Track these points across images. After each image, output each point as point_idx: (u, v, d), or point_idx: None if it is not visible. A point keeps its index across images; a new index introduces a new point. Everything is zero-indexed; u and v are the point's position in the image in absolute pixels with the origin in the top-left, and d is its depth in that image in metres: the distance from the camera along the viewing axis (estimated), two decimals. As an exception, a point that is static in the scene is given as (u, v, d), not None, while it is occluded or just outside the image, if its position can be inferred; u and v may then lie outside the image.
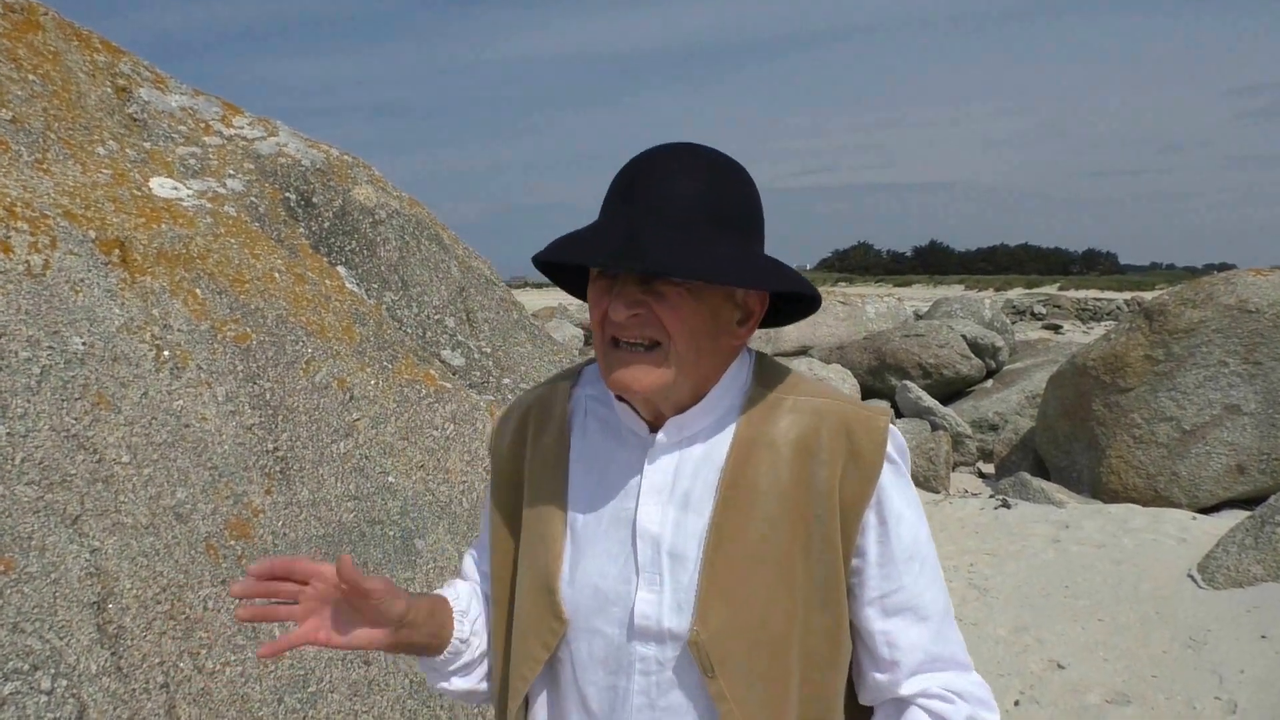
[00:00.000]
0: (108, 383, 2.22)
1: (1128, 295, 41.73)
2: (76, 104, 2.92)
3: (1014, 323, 23.92)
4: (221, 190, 3.04)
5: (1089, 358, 8.80)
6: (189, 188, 2.95)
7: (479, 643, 1.31)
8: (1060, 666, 4.48)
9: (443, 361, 3.24)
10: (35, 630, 1.86)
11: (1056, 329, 27.30)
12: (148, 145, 3.03)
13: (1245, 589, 4.97)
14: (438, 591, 1.33)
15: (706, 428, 1.20)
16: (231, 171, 3.14)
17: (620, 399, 1.22)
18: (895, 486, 1.19)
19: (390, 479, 2.65)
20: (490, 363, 3.37)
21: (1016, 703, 4.21)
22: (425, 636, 1.24)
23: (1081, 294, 45.05)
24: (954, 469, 9.59)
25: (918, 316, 16.98)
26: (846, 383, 11.44)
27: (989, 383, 12.33)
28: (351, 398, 2.70)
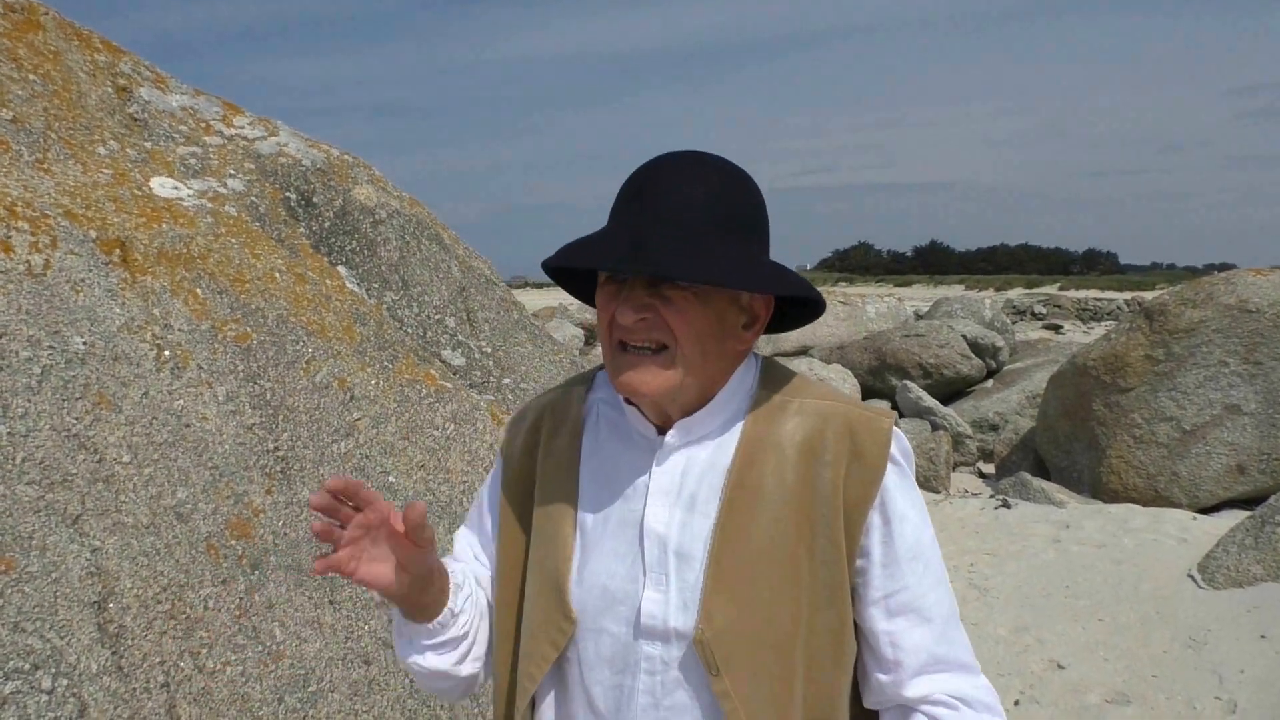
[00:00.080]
0: (108, 382, 2.22)
1: (1128, 295, 41.74)
2: (77, 104, 2.92)
3: (1014, 323, 23.92)
4: (222, 190, 3.04)
5: (1089, 358, 8.80)
6: (190, 187, 2.95)
7: (464, 621, 1.28)
8: (1060, 666, 4.48)
9: (443, 361, 3.24)
10: (36, 630, 1.86)
11: (1057, 329, 27.30)
12: (148, 145, 3.03)
13: (1245, 589, 4.97)
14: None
15: (713, 430, 1.22)
16: (232, 171, 3.14)
17: (629, 402, 1.24)
18: (899, 488, 1.20)
19: (391, 479, 2.66)
20: (491, 363, 3.37)
21: (1017, 702, 4.21)
22: (427, 597, 1.23)
23: (1082, 294, 45.05)
24: (954, 469, 9.59)
25: (918, 316, 16.99)
26: (847, 383, 11.45)
27: (989, 383, 12.33)
28: (352, 397, 2.70)
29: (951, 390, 12.09)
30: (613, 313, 1.16)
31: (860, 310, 15.85)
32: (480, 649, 1.31)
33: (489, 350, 3.40)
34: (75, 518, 2.02)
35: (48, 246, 2.29)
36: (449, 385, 2.96)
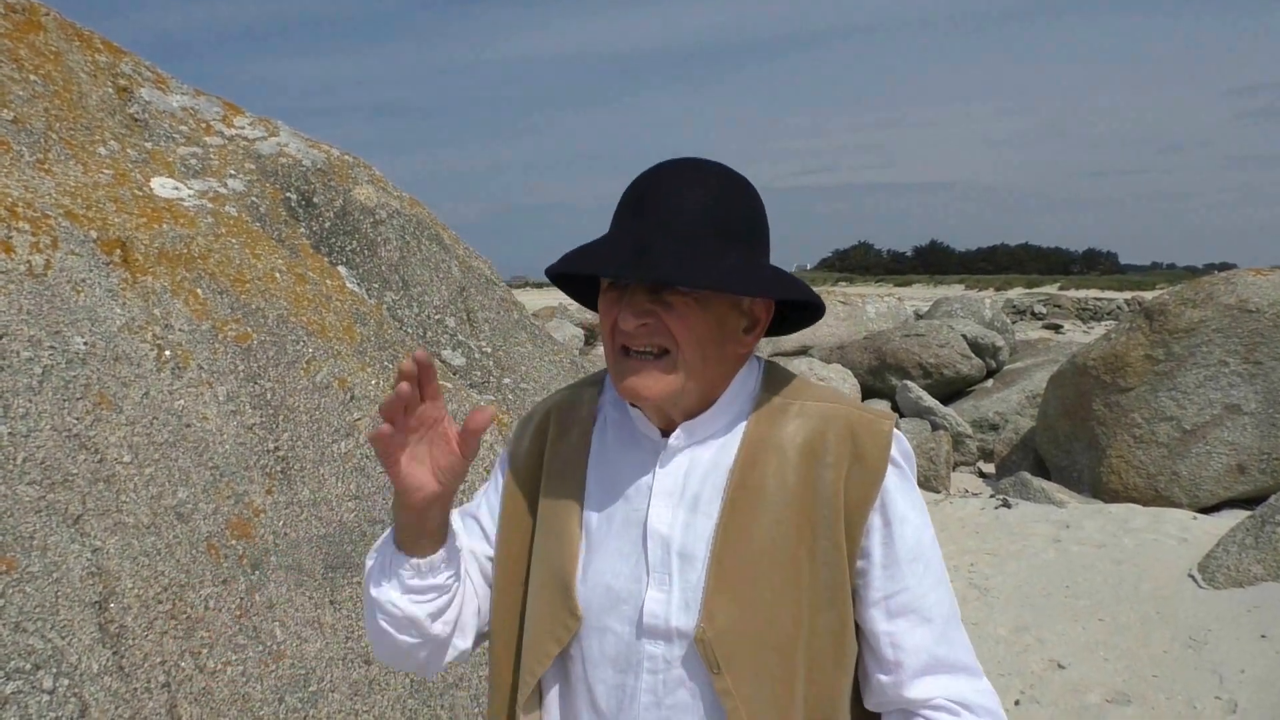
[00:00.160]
0: (109, 382, 2.22)
1: (1128, 295, 41.72)
2: (78, 104, 2.92)
3: (1014, 322, 23.92)
4: (222, 190, 3.04)
5: (1089, 357, 8.80)
6: (190, 188, 2.96)
7: (450, 577, 1.25)
8: (1060, 666, 4.48)
9: (443, 361, 3.24)
10: (37, 629, 1.86)
11: (1057, 329, 27.30)
12: (149, 145, 3.03)
13: (1245, 589, 4.97)
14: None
15: (716, 432, 1.24)
16: (232, 171, 3.15)
17: (633, 405, 1.26)
18: (900, 490, 1.21)
19: (391, 479, 2.66)
20: (491, 362, 3.37)
21: (1017, 702, 4.21)
22: (437, 524, 1.22)
23: (1082, 294, 45.03)
24: (954, 469, 9.59)
25: (918, 316, 16.99)
26: (847, 382, 11.45)
27: (989, 382, 12.33)
28: (352, 397, 2.70)
29: (951, 390, 12.09)
30: (615, 318, 1.18)
31: (860, 310, 15.85)
32: (454, 614, 1.28)
33: (489, 350, 3.40)
34: (76, 518, 2.02)
35: (49, 247, 2.29)
36: (449, 385, 2.96)
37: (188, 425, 2.32)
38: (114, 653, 1.96)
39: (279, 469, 2.46)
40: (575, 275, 1.26)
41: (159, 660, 2.03)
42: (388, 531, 1.25)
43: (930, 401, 10.79)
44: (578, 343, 16.61)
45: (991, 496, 7.75)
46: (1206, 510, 7.66)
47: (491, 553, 1.35)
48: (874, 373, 12.24)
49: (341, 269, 3.21)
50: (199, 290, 2.56)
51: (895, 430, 1.23)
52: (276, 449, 2.48)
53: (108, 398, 2.20)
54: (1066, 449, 8.95)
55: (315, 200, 3.30)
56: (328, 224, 3.28)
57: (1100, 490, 8.30)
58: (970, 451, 10.29)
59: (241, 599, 2.23)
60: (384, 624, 1.23)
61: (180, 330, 2.44)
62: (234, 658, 2.16)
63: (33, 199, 2.41)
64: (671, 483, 1.22)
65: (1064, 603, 5.16)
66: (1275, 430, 7.83)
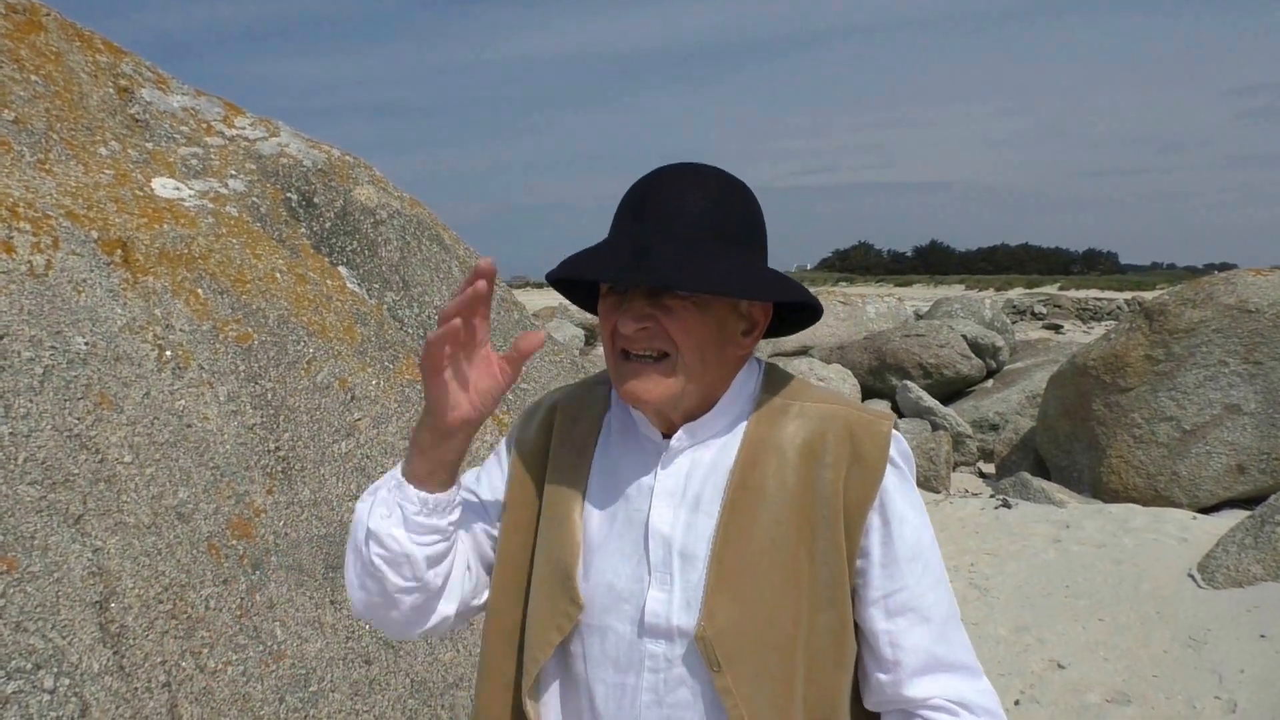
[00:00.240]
0: (110, 382, 2.22)
1: (1128, 295, 41.70)
2: (79, 104, 2.92)
3: (1014, 322, 23.92)
4: (223, 190, 3.04)
5: (1089, 358, 8.80)
6: (191, 188, 2.96)
7: (453, 525, 1.24)
8: (1060, 666, 4.49)
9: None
10: (38, 629, 1.86)
11: (1057, 329, 27.30)
12: (150, 146, 3.04)
13: (1245, 588, 4.97)
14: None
15: (717, 433, 1.25)
16: (233, 172, 3.15)
17: (634, 408, 1.26)
18: (898, 490, 1.22)
19: (391, 479, 2.66)
20: (491, 363, 3.37)
21: (1017, 702, 4.21)
22: (456, 455, 1.21)
23: (1082, 294, 45.02)
24: (954, 469, 9.59)
25: (918, 316, 16.99)
26: (847, 383, 11.45)
27: (989, 382, 12.33)
28: (353, 397, 2.71)
29: (951, 390, 12.09)
30: (615, 323, 1.19)
31: (860, 310, 15.86)
32: (447, 567, 1.26)
33: (489, 350, 3.40)
34: (77, 518, 2.02)
35: (49, 247, 2.30)
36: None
37: (188, 425, 2.33)
38: (115, 652, 1.96)
39: (279, 469, 2.47)
40: (576, 280, 1.27)
41: (160, 660, 2.03)
42: (389, 472, 1.24)
43: (930, 402, 10.79)
44: (578, 343, 16.61)
45: (991, 496, 7.75)
46: (1206, 510, 7.66)
47: (490, 529, 1.34)
48: (874, 373, 12.24)
49: (342, 269, 3.21)
50: (200, 290, 2.56)
51: (894, 431, 1.24)
52: (277, 449, 2.48)
53: (109, 398, 2.20)
54: (1066, 449, 8.95)
55: (316, 200, 3.30)
56: (328, 224, 3.28)
57: (1100, 490, 8.31)
58: (970, 452, 10.29)
59: (242, 599, 2.23)
60: (378, 559, 1.20)
61: (181, 330, 2.44)
62: (234, 657, 2.16)
63: (34, 199, 2.41)
64: (673, 483, 1.23)
65: (1064, 603, 5.16)
66: (1275, 430, 7.83)
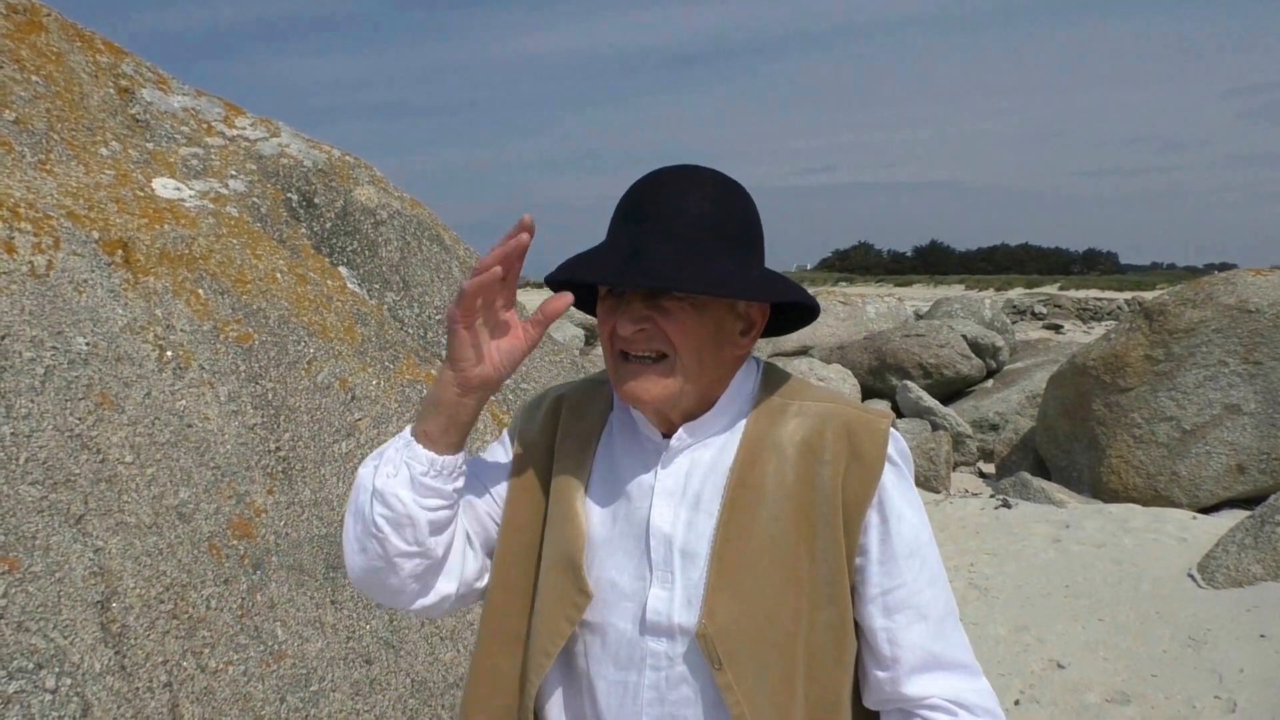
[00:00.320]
0: (111, 383, 2.23)
1: (1128, 295, 41.67)
2: (79, 105, 2.93)
3: (1014, 322, 23.92)
4: (224, 191, 3.05)
5: (1089, 358, 8.81)
6: (191, 188, 2.96)
7: (457, 492, 1.24)
8: (1060, 666, 4.49)
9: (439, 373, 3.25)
10: (39, 629, 1.87)
11: (1057, 329, 27.30)
12: (150, 146, 3.04)
13: (1245, 588, 4.98)
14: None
15: (716, 433, 1.26)
16: (234, 172, 3.15)
17: (634, 408, 1.27)
18: (897, 488, 1.23)
19: (392, 479, 2.66)
20: (491, 363, 3.37)
21: (1016, 702, 4.22)
22: (469, 417, 1.22)
23: (1082, 294, 44.99)
24: (954, 469, 9.59)
25: (918, 316, 16.99)
26: (847, 383, 11.45)
27: (989, 383, 12.33)
28: (353, 398, 2.71)
29: (951, 390, 12.09)
30: (613, 324, 1.20)
31: (860, 310, 15.86)
32: (448, 539, 1.25)
33: (490, 350, 3.40)
34: (78, 518, 2.03)
35: (50, 247, 2.30)
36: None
37: (189, 425, 2.33)
38: (116, 652, 1.97)
39: (280, 469, 2.47)
40: (575, 282, 1.27)
41: (161, 660, 2.04)
42: (397, 435, 1.25)
43: (930, 402, 10.80)
44: (578, 343, 16.62)
45: (991, 496, 7.76)
46: (1206, 510, 7.67)
47: (493, 514, 1.34)
48: (874, 373, 12.24)
49: (342, 269, 3.21)
50: (200, 291, 2.56)
51: (892, 430, 1.25)
52: (278, 449, 2.49)
53: (110, 398, 2.21)
54: (1066, 449, 8.96)
55: (316, 201, 3.31)
56: (329, 224, 3.29)
57: (1100, 490, 8.31)
58: (970, 452, 10.29)
59: (243, 599, 2.24)
60: (381, 518, 1.20)
61: (182, 331, 2.45)
62: (235, 657, 2.16)
63: (35, 199, 2.41)
64: (673, 482, 1.24)
65: (1064, 602, 5.16)
66: (1275, 430, 7.83)
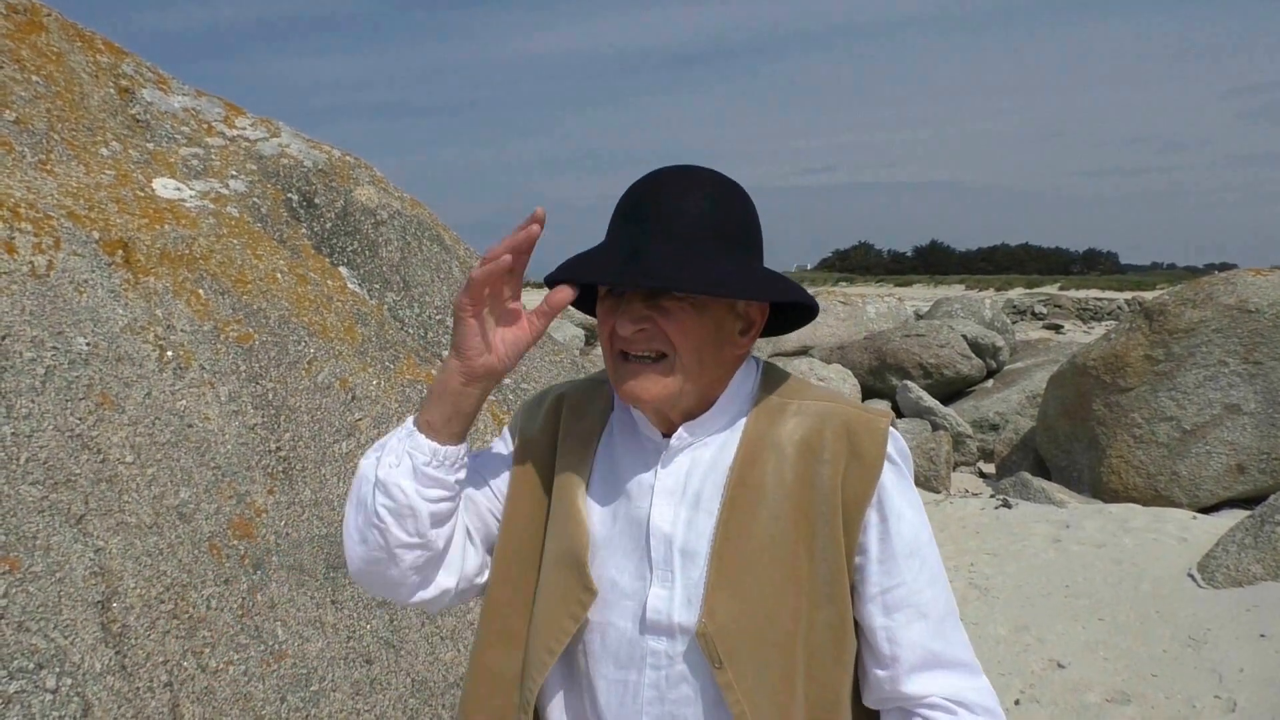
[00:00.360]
0: (111, 383, 2.23)
1: (1128, 295, 41.66)
2: (80, 105, 2.93)
3: (1014, 322, 23.91)
4: (224, 191, 3.05)
5: (1089, 358, 8.81)
6: (192, 188, 2.97)
7: (459, 483, 1.25)
8: (1060, 666, 4.49)
9: (444, 362, 3.25)
10: (40, 629, 1.87)
11: (1057, 329, 27.30)
12: (151, 146, 3.04)
13: (1245, 588, 4.98)
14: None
15: (716, 432, 1.26)
16: (234, 172, 3.15)
17: (634, 407, 1.28)
18: (896, 487, 1.23)
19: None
20: (492, 363, 3.37)
21: (1017, 702, 4.22)
22: (473, 407, 1.23)
23: (1082, 294, 44.98)
24: (955, 469, 9.60)
25: (918, 316, 17.00)
26: (847, 383, 11.45)
27: (989, 382, 12.33)
28: (354, 398, 2.71)
29: (952, 390, 12.09)
30: (613, 325, 1.20)
31: (860, 310, 15.86)
32: (448, 532, 1.26)
33: (490, 350, 3.40)
34: (79, 518, 2.03)
35: (51, 247, 2.30)
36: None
37: (190, 425, 2.33)
38: (116, 652, 1.97)
39: (280, 469, 2.47)
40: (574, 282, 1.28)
41: (161, 660, 2.04)
42: (399, 426, 1.25)
43: (930, 402, 10.80)
44: (578, 343, 16.62)
45: (992, 496, 7.76)
46: (1206, 510, 7.67)
47: (494, 509, 1.34)
48: (874, 373, 12.24)
49: (343, 269, 3.22)
50: (201, 291, 2.56)
51: (891, 429, 1.25)
52: (278, 449, 2.49)
53: (110, 398, 2.21)
54: (1066, 449, 8.96)
55: (317, 201, 3.31)
56: (329, 225, 3.29)
57: (1100, 490, 8.31)
58: (970, 452, 10.29)
59: (243, 599, 2.24)
60: (383, 509, 1.20)
61: (182, 331, 2.45)
62: (236, 657, 2.17)
63: (35, 200, 2.41)
64: (673, 482, 1.24)
65: (1064, 602, 5.17)
66: (1275, 430, 7.83)
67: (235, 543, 2.29)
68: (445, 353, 3.27)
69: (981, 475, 9.93)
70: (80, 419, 2.13)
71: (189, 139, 3.18)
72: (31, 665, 1.83)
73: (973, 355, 12.36)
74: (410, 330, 3.22)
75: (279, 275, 2.81)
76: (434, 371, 2.97)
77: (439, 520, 1.23)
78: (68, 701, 1.85)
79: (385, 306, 3.22)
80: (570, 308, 1.25)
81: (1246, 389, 7.95)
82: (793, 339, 13.93)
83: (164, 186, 2.88)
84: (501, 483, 1.34)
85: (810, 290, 1.28)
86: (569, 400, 1.36)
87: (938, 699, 1.21)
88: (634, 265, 1.15)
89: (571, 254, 1.24)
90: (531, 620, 1.27)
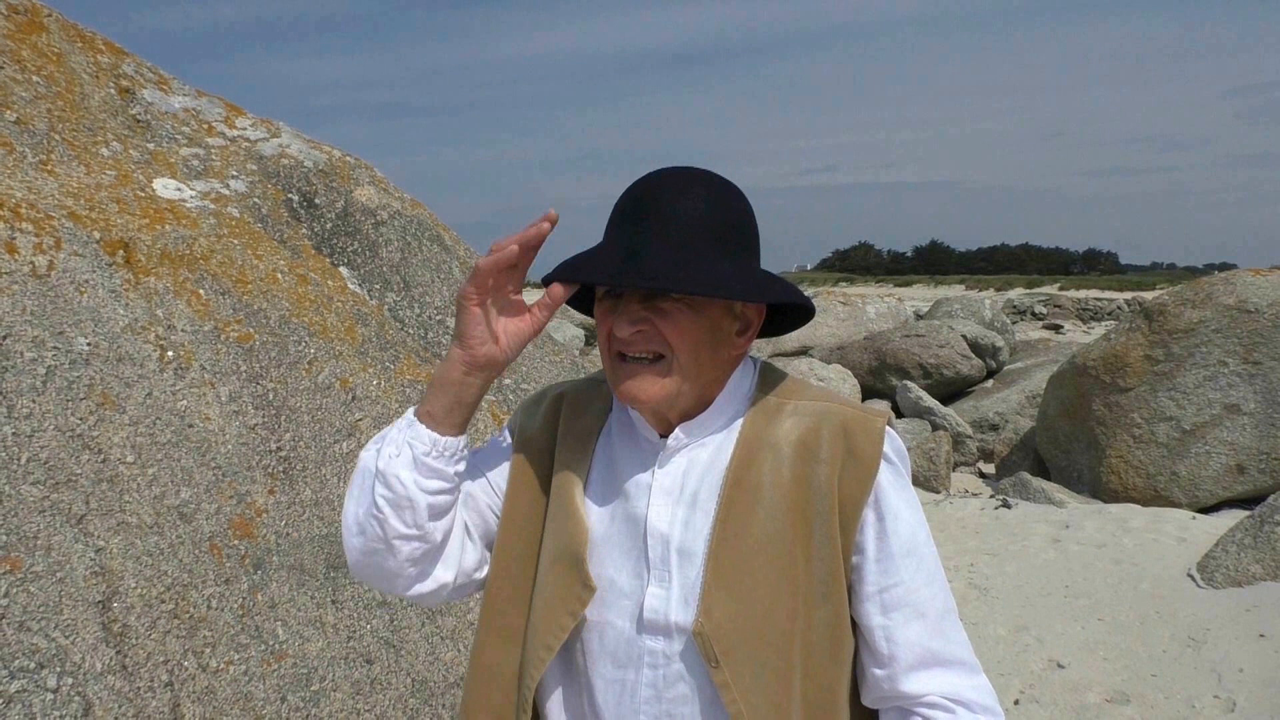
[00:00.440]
0: (112, 383, 2.23)
1: (1128, 295, 41.64)
2: (80, 105, 2.93)
3: (1014, 323, 23.91)
4: (225, 191, 3.05)
5: (1089, 358, 8.81)
6: (192, 189, 2.97)
7: (459, 475, 1.26)
8: (1060, 666, 4.49)
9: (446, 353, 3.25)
10: (41, 629, 1.87)
11: (1057, 329, 27.30)
12: (151, 146, 3.05)
13: (1244, 588, 4.98)
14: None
15: (713, 432, 1.27)
16: (234, 172, 3.16)
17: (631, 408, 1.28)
18: (893, 486, 1.23)
19: (393, 479, 2.67)
20: (492, 363, 3.37)
21: (1016, 702, 4.22)
22: (474, 397, 1.24)
23: (1082, 294, 44.97)
24: (954, 469, 9.60)
25: (918, 316, 17.00)
26: (847, 383, 11.46)
27: (989, 383, 12.34)
28: (354, 398, 2.71)
29: (951, 390, 12.10)
30: (610, 326, 1.21)
31: (860, 310, 15.87)
32: (447, 525, 1.26)
33: (490, 351, 3.40)
34: (80, 517, 2.03)
35: (52, 248, 2.30)
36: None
37: (190, 425, 2.34)
38: (117, 652, 1.97)
39: (281, 469, 2.47)
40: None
41: (162, 659, 2.04)
42: (400, 417, 1.26)
43: (930, 402, 10.81)
44: (578, 343, 16.62)
45: (991, 497, 7.77)
46: (1205, 510, 7.67)
47: (493, 506, 1.35)
48: (874, 373, 12.25)
49: (343, 270, 3.22)
50: (201, 291, 2.57)
51: (888, 428, 1.25)
52: (279, 449, 2.49)
53: (111, 398, 2.21)
54: (1066, 449, 8.96)
55: (317, 201, 3.31)
56: (329, 225, 3.29)
57: (1100, 490, 8.32)
58: (970, 452, 10.30)
59: (244, 598, 2.24)
60: (382, 499, 1.21)
61: (183, 331, 2.45)
62: (236, 657, 2.17)
63: (36, 200, 2.42)
64: (670, 482, 1.25)
65: (1063, 602, 5.17)
66: (1274, 430, 7.84)
67: (236, 543, 2.29)
68: (445, 352, 3.27)
69: (981, 475, 9.93)
70: (81, 419, 2.13)
71: (189, 139, 3.19)
72: (32, 665, 1.83)
73: (972, 355, 12.37)
74: (410, 330, 3.22)
75: (279, 275, 2.81)
76: (434, 371, 2.98)
77: (437, 513, 1.24)
78: (68, 701, 1.85)
79: (385, 307, 3.22)
80: (568, 307, 1.26)
81: (1246, 389, 7.96)
82: (793, 339, 13.94)
83: (165, 187, 2.89)
84: (501, 479, 1.35)
85: (810, 290, 1.29)
86: (568, 399, 1.36)
87: (936, 697, 1.21)
88: (632, 266, 1.15)
89: (570, 254, 1.25)
90: (530, 617, 1.28)
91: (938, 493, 8.23)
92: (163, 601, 2.09)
